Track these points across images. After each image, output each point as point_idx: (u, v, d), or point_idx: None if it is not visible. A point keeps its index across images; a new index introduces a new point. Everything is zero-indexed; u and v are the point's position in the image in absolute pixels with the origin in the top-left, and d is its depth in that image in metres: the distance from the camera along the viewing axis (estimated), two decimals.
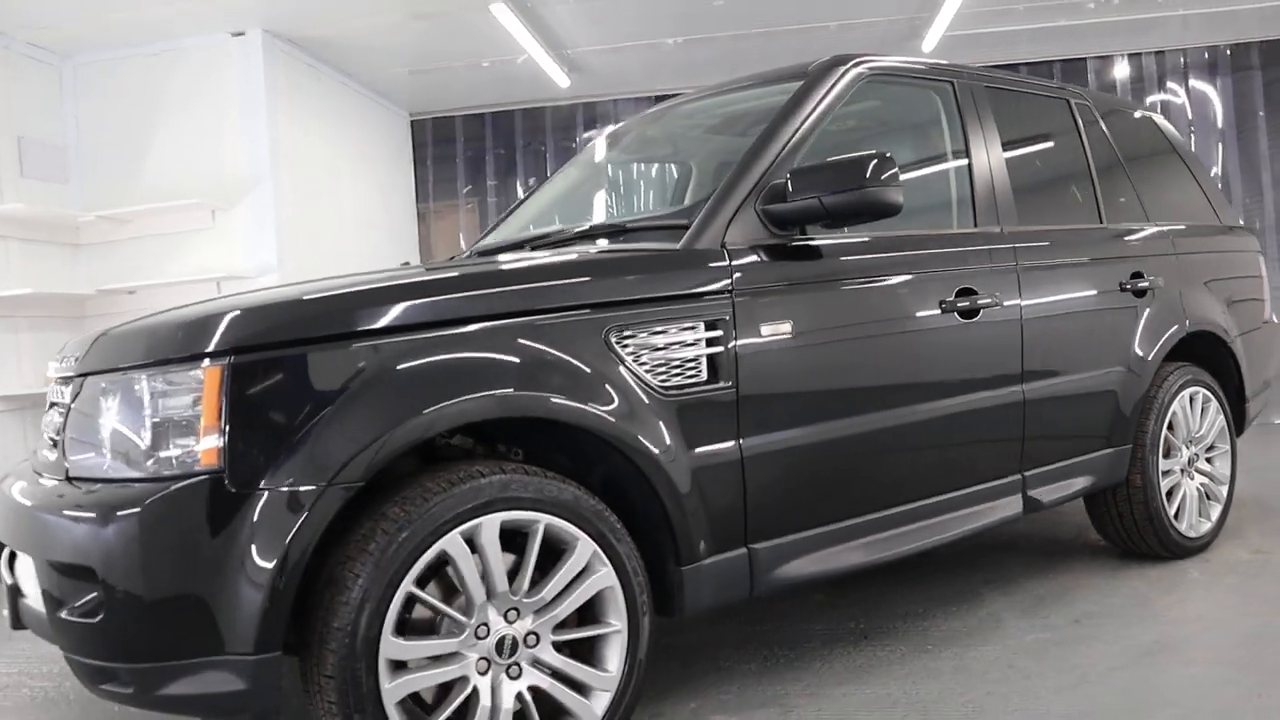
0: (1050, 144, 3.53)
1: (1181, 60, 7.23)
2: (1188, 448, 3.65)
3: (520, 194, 7.79)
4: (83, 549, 1.84)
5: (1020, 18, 6.64)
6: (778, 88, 3.03)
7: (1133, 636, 2.91)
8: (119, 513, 1.81)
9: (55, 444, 2.22)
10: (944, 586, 3.49)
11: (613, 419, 2.20)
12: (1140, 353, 3.43)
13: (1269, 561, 3.57)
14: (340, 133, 6.61)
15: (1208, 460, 3.74)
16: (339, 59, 6.36)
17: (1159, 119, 4.09)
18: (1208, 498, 3.72)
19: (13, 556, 2.21)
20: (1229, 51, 7.25)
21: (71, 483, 2.03)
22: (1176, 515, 3.56)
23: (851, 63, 2.93)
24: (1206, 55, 7.25)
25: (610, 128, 3.70)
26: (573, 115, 7.76)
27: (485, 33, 5.93)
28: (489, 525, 2.04)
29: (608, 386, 2.22)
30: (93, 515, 1.84)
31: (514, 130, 7.80)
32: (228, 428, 1.84)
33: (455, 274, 2.22)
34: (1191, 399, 3.63)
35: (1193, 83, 7.21)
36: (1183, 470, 3.63)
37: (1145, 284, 3.47)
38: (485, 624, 2.06)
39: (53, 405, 2.35)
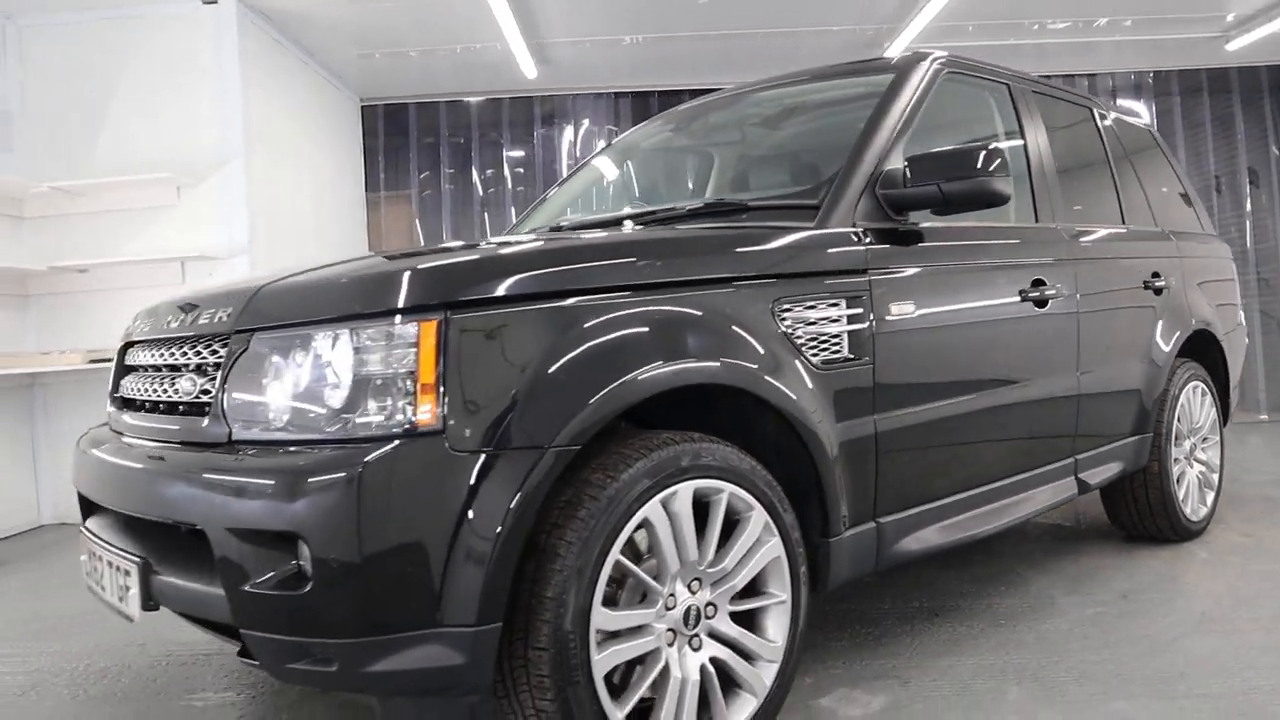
0: (1080, 147, 3.73)
1: (1111, 83, 7.75)
2: (1189, 437, 3.92)
3: (478, 185, 7.65)
4: (287, 515, 1.70)
5: (969, 35, 6.96)
6: (857, 80, 3.12)
7: (1179, 610, 3.11)
8: (335, 475, 1.68)
9: (185, 407, 2.07)
10: (982, 568, 3.64)
11: (790, 393, 2.22)
12: (1161, 347, 3.68)
13: (1261, 543, 3.87)
14: (302, 113, 6.35)
15: (1203, 449, 4.02)
16: (303, 35, 6.11)
17: (1154, 131, 4.38)
18: (1204, 485, 4.00)
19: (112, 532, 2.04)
20: (1152, 77, 7.82)
21: (235, 446, 1.90)
22: (1183, 500, 3.82)
23: (933, 57, 3.03)
24: (1133, 79, 7.79)
25: (659, 116, 3.71)
26: (530, 108, 7.67)
27: (466, 15, 5.81)
28: (684, 493, 2.03)
29: (782, 358, 2.24)
30: (303, 479, 1.69)
31: (470, 121, 7.64)
32: (446, 386, 1.76)
33: (657, 238, 2.21)
34: (1193, 392, 3.91)
35: (1120, 103, 7.72)
36: (1186, 458, 3.89)
37: (1162, 283, 3.72)
38: (673, 594, 2.04)
39: (165, 368, 2.19)
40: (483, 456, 1.76)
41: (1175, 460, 3.78)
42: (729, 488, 2.11)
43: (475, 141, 7.63)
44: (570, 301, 1.92)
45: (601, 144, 7.69)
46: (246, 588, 1.75)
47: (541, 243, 2.10)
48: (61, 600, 3.89)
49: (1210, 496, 4.04)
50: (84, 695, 2.81)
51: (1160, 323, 3.70)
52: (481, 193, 7.67)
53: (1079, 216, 3.45)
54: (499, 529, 1.76)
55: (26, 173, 5.20)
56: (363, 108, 7.46)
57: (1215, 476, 4.08)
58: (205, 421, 1.96)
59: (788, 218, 2.57)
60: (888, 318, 2.52)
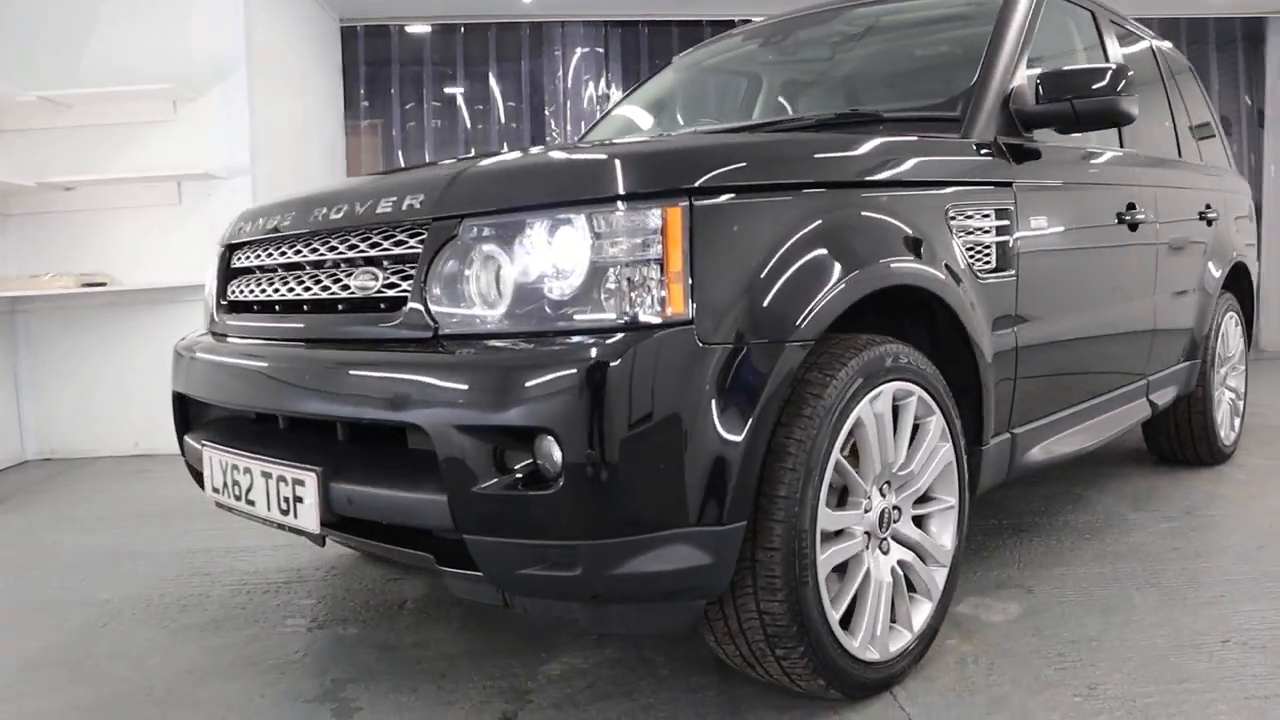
0: (1147, 79, 3.78)
1: None
2: (1224, 365, 4.06)
3: (465, 117, 7.39)
4: (540, 411, 1.60)
5: None
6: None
7: (1246, 523, 3.24)
8: (597, 366, 1.60)
9: (358, 304, 1.95)
10: (1041, 490, 3.73)
11: (965, 299, 2.21)
12: (1213, 277, 3.79)
13: None
14: (292, 29, 6.00)
15: (1233, 377, 4.18)
16: None
17: (1194, 73, 4.47)
18: (1233, 411, 4.17)
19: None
20: None
21: (441, 341, 1.79)
22: (1219, 425, 3.97)
23: None
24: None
25: (735, 32, 3.62)
26: (519, 36, 7.41)
27: None
28: (886, 394, 2.01)
29: (956, 265, 2.23)
30: (560, 371, 1.59)
31: (455, 47, 7.35)
32: (693, 275, 1.69)
33: (872, 138, 2.18)
34: (1229, 322, 4.05)
35: None
36: (1221, 384, 4.04)
37: (1213, 215, 3.83)
38: (868, 497, 2.02)
39: (320, 265, 2.05)
40: (731, 349, 1.70)
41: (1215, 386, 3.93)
42: (918, 391, 2.09)
43: (460, 69, 7.35)
44: (805, 194, 1.86)
45: (588, 76, 7.52)
46: (479, 489, 1.65)
47: (767, 136, 2.03)
48: (92, 535, 3.69)
49: (1237, 422, 4.21)
50: (174, 625, 2.66)
51: (1211, 254, 3.81)
52: (469, 125, 7.42)
53: (1148, 146, 3.51)
54: (749, 424, 1.71)
55: (8, 80, 4.79)
56: (342, 28, 7.10)
57: (1241, 404, 4.25)
58: (399, 317, 1.84)
59: (928, 130, 2.53)
60: (1027, 232, 2.52)
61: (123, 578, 3.11)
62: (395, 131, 7.31)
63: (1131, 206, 3.10)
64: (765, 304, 1.75)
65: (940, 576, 2.19)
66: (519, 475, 1.65)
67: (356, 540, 1.95)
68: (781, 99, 3.27)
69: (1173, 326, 3.51)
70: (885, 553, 2.07)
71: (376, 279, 1.92)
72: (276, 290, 2.21)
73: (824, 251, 1.86)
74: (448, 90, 7.42)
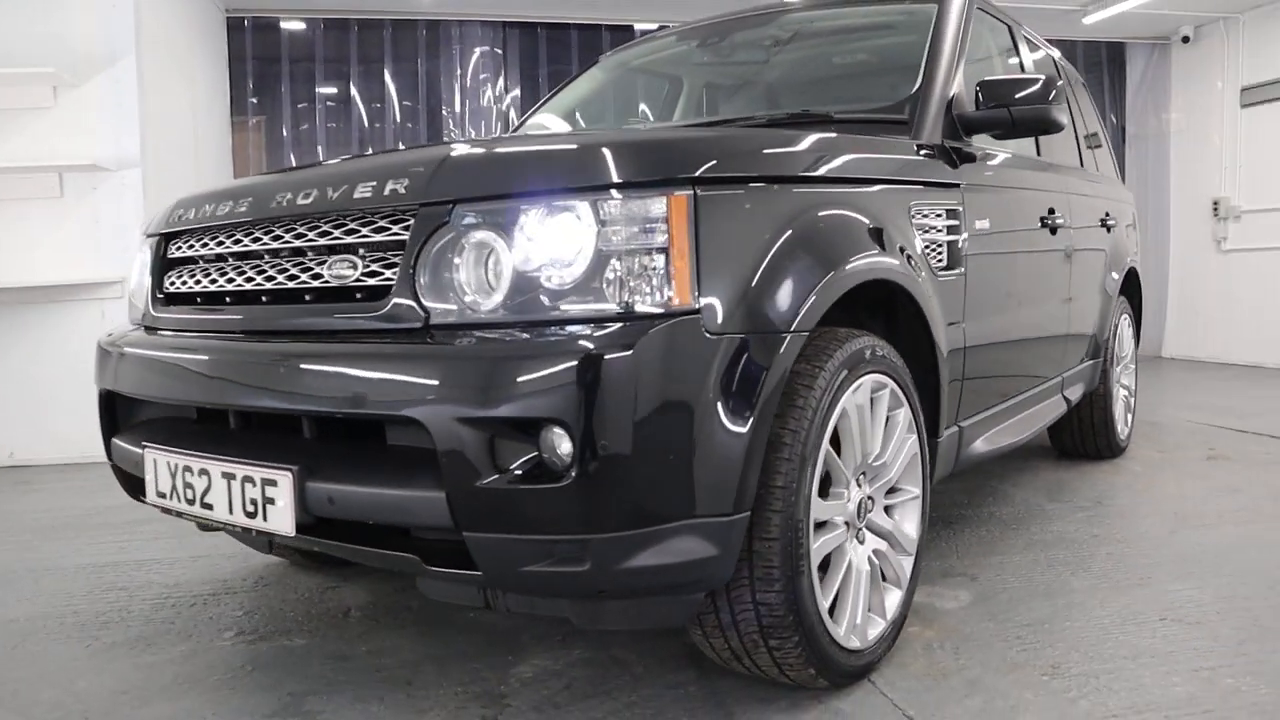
0: None
1: None
2: (1119, 364, 4.31)
3: (363, 112, 7.15)
4: (550, 402, 1.55)
5: None
6: (895, 7, 3.19)
7: (1155, 510, 3.45)
8: (610, 355, 1.55)
9: (331, 293, 1.86)
10: (960, 484, 3.87)
11: (928, 294, 2.28)
12: (1113, 279, 4.02)
13: (1173, 459, 4.33)
14: (180, 14, 5.68)
15: (1125, 375, 4.44)
16: None
17: (1086, 86, 4.73)
18: (1127, 408, 4.43)
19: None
20: None
21: (431, 331, 1.72)
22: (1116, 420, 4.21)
23: None
24: None
25: (669, 32, 3.63)
26: (415, 34, 7.23)
27: None
28: (865, 385, 2.04)
29: (918, 261, 2.29)
30: (571, 361, 1.54)
31: (348, 42, 7.12)
32: (700, 264, 1.68)
33: (851, 138, 2.23)
34: (1123, 323, 4.30)
35: None
36: (1116, 382, 4.29)
37: (1112, 223, 4.06)
38: (848, 487, 2.05)
39: (277, 253, 1.95)
40: (736, 338, 1.69)
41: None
42: (890, 384, 2.14)
43: (354, 67, 7.13)
44: (801, 187, 1.88)
45: (486, 76, 7.41)
46: (482, 484, 1.59)
47: (758, 131, 2.03)
48: None
49: (1130, 418, 4.47)
50: (97, 644, 2.47)
51: (1110, 259, 4.04)
52: (366, 124, 7.19)
53: (1058, 156, 3.70)
54: (753, 414, 1.70)
55: None
56: (228, 19, 6.78)
57: (1133, 400, 4.52)
58: (384, 307, 1.76)
59: (878, 131, 2.59)
60: (972, 232, 2.62)
61: (27, 596, 2.87)
62: (285, 129, 7.03)
63: (1051, 211, 3.26)
64: (766, 295, 1.75)
65: (908, 565, 2.24)
66: (526, 469, 1.60)
67: (329, 544, 1.85)
68: (719, 99, 3.30)
69: (1082, 327, 3.71)
70: (861, 542, 2.11)
71: (355, 267, 1.83)
72: (229, 280, 2.09)
73: (819, 244, 1.88)
74: (341, 88, 7.18)
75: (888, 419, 2.17)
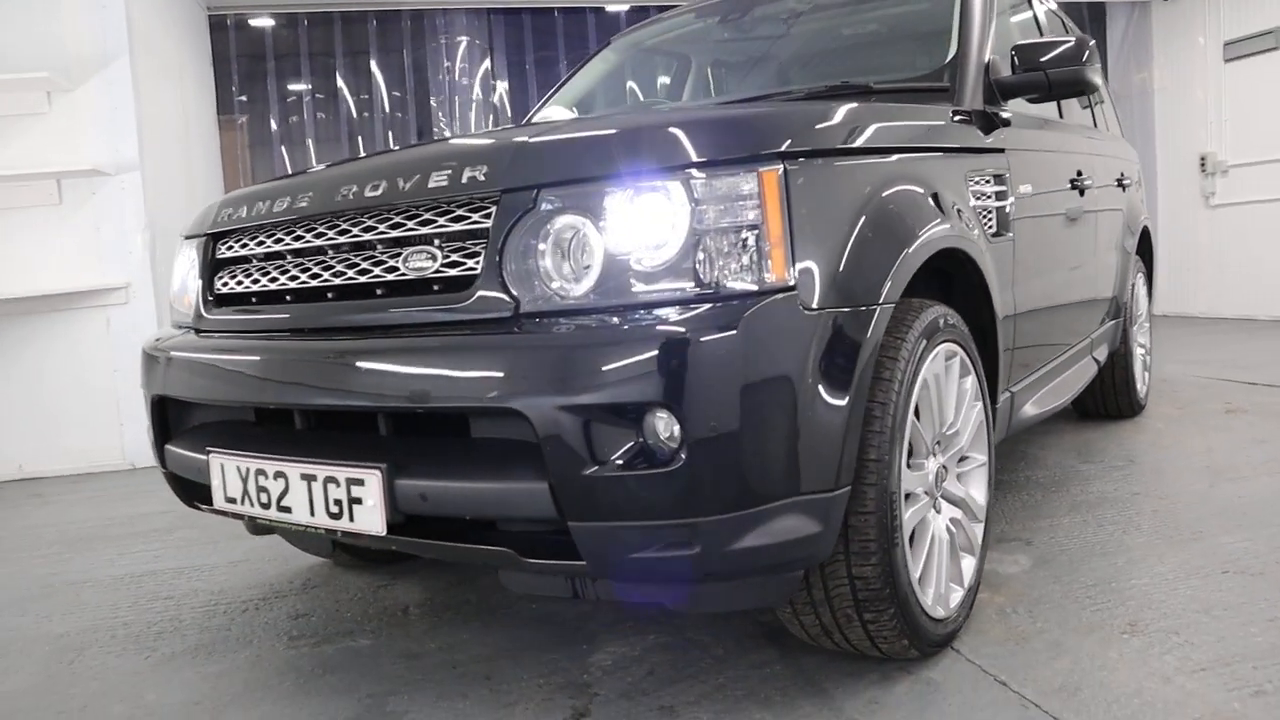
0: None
1: None
2: (1135, 323, 4.35)
3: (351, 105, 7.05)
4: (657, 385, 1.52)
5: None
6: None
7: (1187, 466, 3.48)
8: (714, 337, 1.54)
9: (409, 285, 1.82)
10: None
11: (989, 261, 2.27)
12: (1131, 239, 4.04)
13: (1192, 414, 4.38)
14: (164, 14, 5.57)
15: (1142, 333, 4.48)
16: None
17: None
18: (1144, 366, 4.47)
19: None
20: None
21: (521, 320, 1.69)
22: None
23: None
24: None
25: (684, 10, 3.59)
26: (399, 24, 7.13)
27: None
28: (940, 354, 2.04)
29: (976, 228, 2.28)
30: (676, 343, 1.52)
31: (333, 36, 7.01)
32: (792, 240, 1.66)
33: (916, 109, 2.23)
34: (1139, 282, 4.33)
35: None
36: (1134, 341, 4.32)
37: (1128, 182, 4.08)
38: (929, 457, 2.05)
39: (345, 247, 1.92)
40: (832, 314, 1.68)
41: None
42: (960, 351, 2.13)
43: (340, 60, 7.02)
44: (880, 159, 1.86)
45: (471, 65, 7.32)
46: (589, 473, 1.57)
47: (836, 101, 2.01)
48: (13, 567, 3.33)
49: (1148, 376, 4.51)
50: (156, 655, 2.43)
51: (1127, 219, 4.06)
52: (355, 116, 7.10)
53: (1075, 116, 3.70)
54: (851, 388, 1.70)
55: None
56: (210, 17, 6.66)
57: (1149, 359, 4.56)
58: (470, 297, 1.73)
59: (919, 100, 2.58)
60: (1018, 197, 2.62)
61: (70, 609, 2.82)
62: (273, 125, 6.92)
63: (1079, 173, 3.27)
64: (856, 269, 1.74)
65: (979, 531, 2.25)
66: (632, 455, 1.58)
67: (419, 542, 1.82)
68: (744, 76, 3.27)
69: (1105, 288, 3.73)
70: (939, 512, 2.11)
71: (434, 258, 1.79)
72: (290, 277, 2.04)
73: (900, 215, 1.87)
74: (327, 82, 7.08)
75: (958, 387, 2.17)
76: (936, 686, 1.94)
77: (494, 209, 1.73)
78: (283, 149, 6.91)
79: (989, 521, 2.30)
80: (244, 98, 6.90)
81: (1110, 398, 4.18)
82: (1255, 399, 4.63)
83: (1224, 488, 3.17)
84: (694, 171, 1.63)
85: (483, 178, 1.74)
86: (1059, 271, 3.03)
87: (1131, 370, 4.14)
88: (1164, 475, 3.38)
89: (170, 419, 2.33)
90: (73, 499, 4.40)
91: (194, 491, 2.27)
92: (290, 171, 6.84)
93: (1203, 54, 8.30)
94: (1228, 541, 2.65)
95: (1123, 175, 4.03)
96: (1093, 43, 2.70)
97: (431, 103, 7.27)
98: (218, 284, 2.25)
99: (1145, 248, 4.49)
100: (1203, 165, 8.33)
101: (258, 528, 2.39)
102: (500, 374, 1.62)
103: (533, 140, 1.78)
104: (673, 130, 1.69)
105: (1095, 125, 4.03)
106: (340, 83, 7.08)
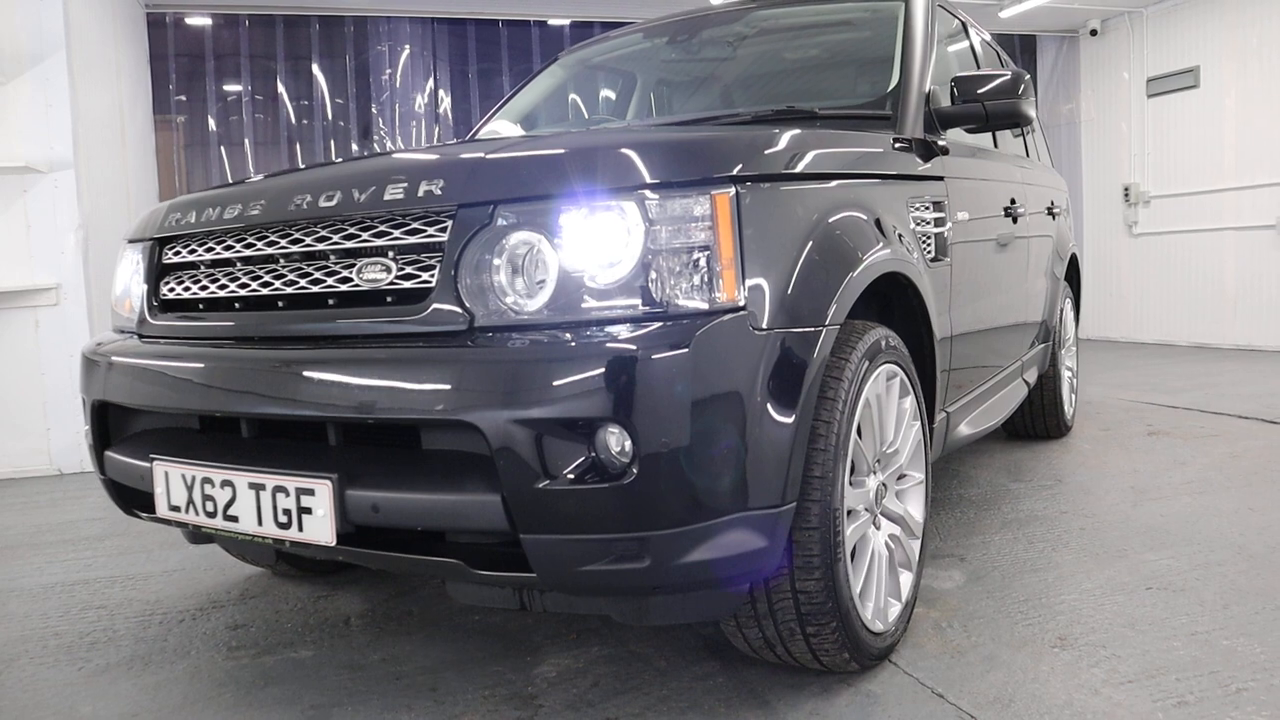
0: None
1: None
2: (1063, 347, 4.50)
3: (290, 110, 6.96)
4: (611, 400, 1.55)
5: None
6: (861, 4, 3.26)
7: (1113, 486, 3.61)
8: (669, 354, 1.57)
9: (361, 296, 1.82)
10: None
11: (928, 284, 2.35)
12: (1060, 266, 4.19)
13: (1116, 435, 4.54)
14: (101, 11, 5.44)
15: (1069, 357, 4.63)
16: None
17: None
18: (1071, 388, 4.62)
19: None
20: None
21: (475, 334, 1.70)
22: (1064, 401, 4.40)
23: None
24: None
25: (635, 28, 3.64)
26: (342, 29, 7.06)
27: None
28: (882, 374, 2.10)
29: (917, 253, 2.35)
30: (632, 359, 1.55)
31: (274, 39, 6.92)
32: (743, 261, 1.70)
33: (862, 136, 2.29)
34: (1067, 306, 4.49)
35: None
36: (1062, 364, 4.47)
37: (1057, 211, 4.23)
38: (869, 475, 2.11)
39: (294, 257, 1.91)
40: (780, 334, 1.72)
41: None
42: (900, 372, 2.20)
43: (281, 64, 6.94)
44: (829, 183, 1.92)
45: (415, 74, 7.29)
46: (542, 486, 1.59)
47: (782, 128, 2.06)
48: None
49: (1074, 398, 4.67)
50: (90, 667, 2.38)
51: (1056, 246, 4.21)
52: (294, 121, 7.01)
53: (1009, 145, 3.83)
54: (798, 406, 1.74)
55: None
56: (148, 15, 6.52)
57: (1075, 381, 4.72)
58: (425, 310, 1.74)
59: (862, 127, 2.66)
60: (955, 223, 2.71)
61: None
62: (211, 126, 6.80)
63: (1013, 201, 3.39)
64: (804, 290, 1.79)
65: (916, 548, 2.31)
66: (585, 469, 1.60)
67: (367, 553, 1.82)
68: (690, 96, 3.32)
69: (1035, 313, 3.86)
70: (879, 528, 2.17)
71: (389, 270, 1.80)
72: (242, 285, 2.03)
73: (845, 240, 1.93)
74: (268, 85, 6.99)
75: (898, 407, 2.24)
76: (876, 699, 1.99)
77: (450, 223, 1.74)
78: (221, 150, 6.79)
79: (925, 538, 2.36)
80: (182, 97, 6.77)
81: (1039, 419, 4.31)
82: (1176, 421, 4.82)
83: (1147, 507, 3.30)
84: (648, 192, 1.67)
85: (439, 192, 1.76)
86: (993, 296, 3.13)
87: (1059, 392, 4.28)
88: (1090, 494, 3.51)
89: (111, 425, 2.29)
90: None
91: (134, 499, 2.23)
92: (229, 174, 6.77)
93: (1127, 88, 8.63)
94: (1151, 559, 2.76)
95: (1053, 204, 4.18)
96: (1028, 77, 2.80)
97: (373, 109, 7.22)
98: (163, 289, 2.23)
99: (1073, 274, 4.66)
100: (1126, 195, 8.65)
101: (197, 536, 2.36)
102: (455, 387, 1.64)
103: (490, 156, 1.80)
104: (628, 151, 1.72)
105: (1027, 154, 4.17)
106: (281, 86, 7.00)
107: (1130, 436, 4.50)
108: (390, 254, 1.82)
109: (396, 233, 1.81)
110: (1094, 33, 8.79)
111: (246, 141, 6.88)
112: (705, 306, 1.66)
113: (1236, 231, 7.74)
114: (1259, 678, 2.00)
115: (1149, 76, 8.40)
